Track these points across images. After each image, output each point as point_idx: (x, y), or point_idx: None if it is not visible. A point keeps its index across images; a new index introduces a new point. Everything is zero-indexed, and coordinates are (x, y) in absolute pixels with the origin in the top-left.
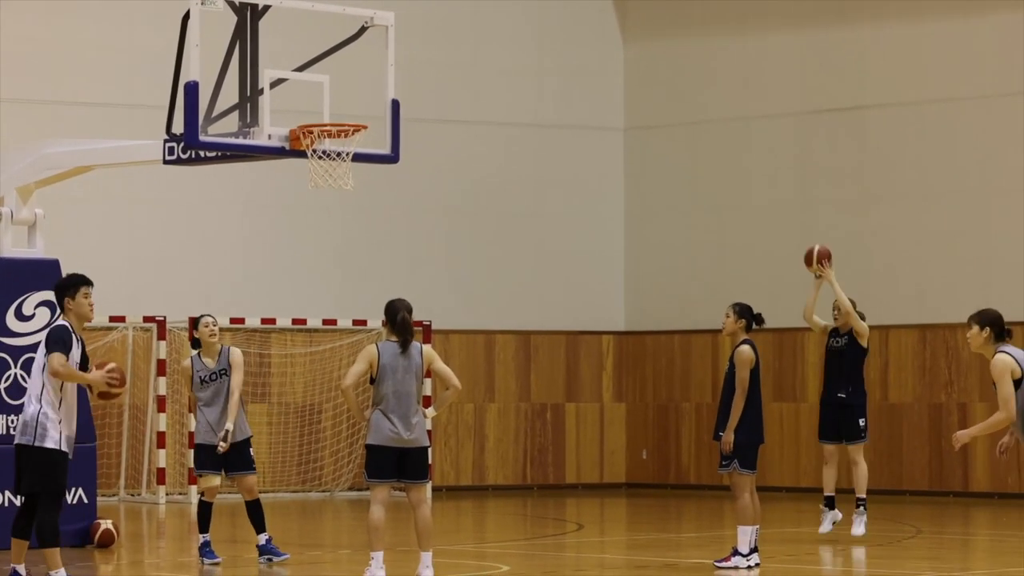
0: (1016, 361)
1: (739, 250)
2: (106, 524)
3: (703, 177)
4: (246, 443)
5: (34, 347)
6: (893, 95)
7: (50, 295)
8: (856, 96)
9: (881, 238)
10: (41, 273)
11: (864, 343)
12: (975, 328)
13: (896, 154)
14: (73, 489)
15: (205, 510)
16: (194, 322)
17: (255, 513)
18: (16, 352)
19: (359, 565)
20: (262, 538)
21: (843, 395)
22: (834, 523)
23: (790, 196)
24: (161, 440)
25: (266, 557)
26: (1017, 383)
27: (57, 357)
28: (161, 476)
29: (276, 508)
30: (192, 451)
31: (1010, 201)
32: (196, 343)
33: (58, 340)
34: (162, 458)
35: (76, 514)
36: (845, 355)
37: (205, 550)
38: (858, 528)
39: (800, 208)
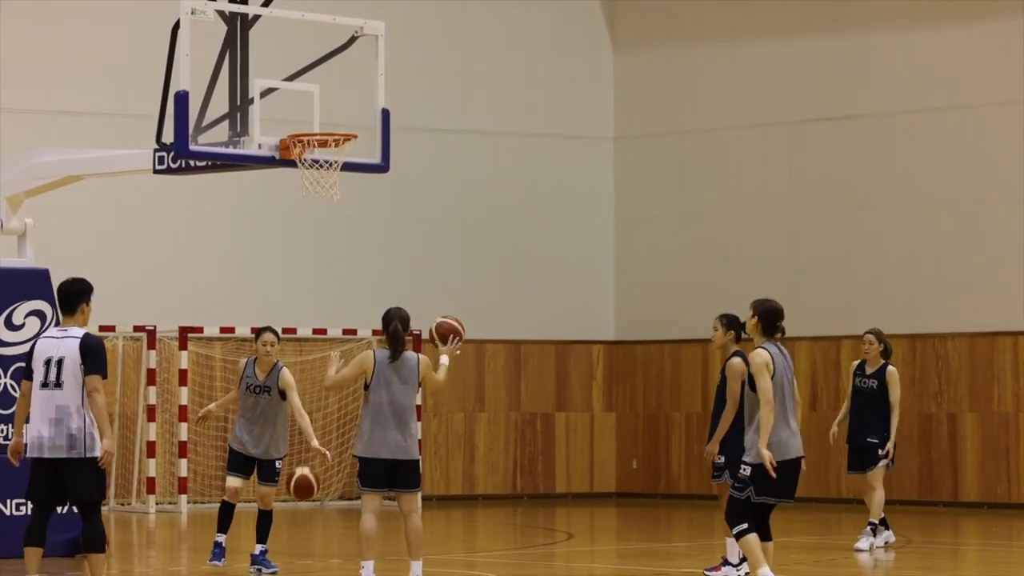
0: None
1: (730, 259)
2: None
3: (693, 186)
4: (280, 459)
5: (23, 357)
6: (883, 104)
7: (40, 304)
8: (846, 105)
9: (871, 247)
10: (31, 283)
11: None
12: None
13: (886, 163)
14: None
15: (227, 511)
16: (256, 333)
17: (264, 523)
18: (6, 362)
19: (349, 574)
20: (259, 548)
21: (873, 439)
22: (881, 542)
23: (780, 205)
24: (151, 449)
25: (256, 567)
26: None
27: (104, 387)
28: (151, 485)
29: None
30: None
31: (1001, 211)
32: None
33: (104, 361)
34: (152, 467)
35: (66, 523)
36: (876, 399)
37: (215, 551)
38: (863, 543)
39: (790, 217)
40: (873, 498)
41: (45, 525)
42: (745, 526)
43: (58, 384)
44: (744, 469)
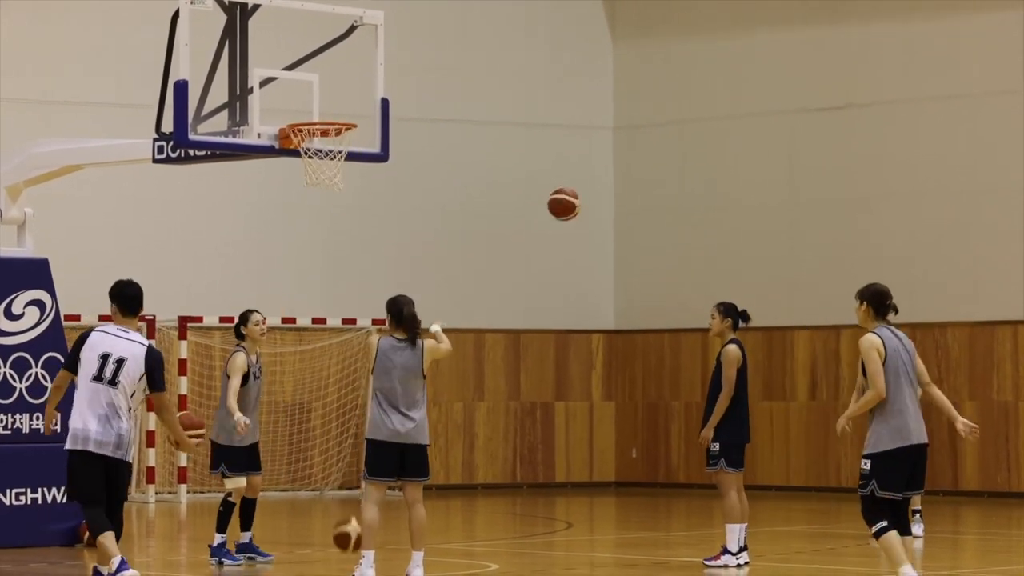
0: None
1: (729, 249)
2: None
3: (693, 176)
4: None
5: (24, 346)
6: (883, 94)
7: (40, 294)
8: (846, 95)
9: (871, 237)
10: (31, 272)
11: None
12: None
13: (885, 153)
14: (62, 488)
15: (230, 511)
16: (242, 318)
17: (250, 511)
18: (6, 351)
19: (348, 564)
20: (245, 536)
21: None
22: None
23: (780, 195)
24: (151, 439)
25: (247, 556)
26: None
27: (169, 399)
28: (151, 475)
29: (265, 507)
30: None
31: (1001, 200)
32: (240, 336)
33: (163, 371)
34: (151, 457)
35: (65, 513)
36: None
37: (224, 551)
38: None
39: (789, 207)
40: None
41: (103, 513)
42: (884, 524)
43: (113, 382)
44: (864, 464)
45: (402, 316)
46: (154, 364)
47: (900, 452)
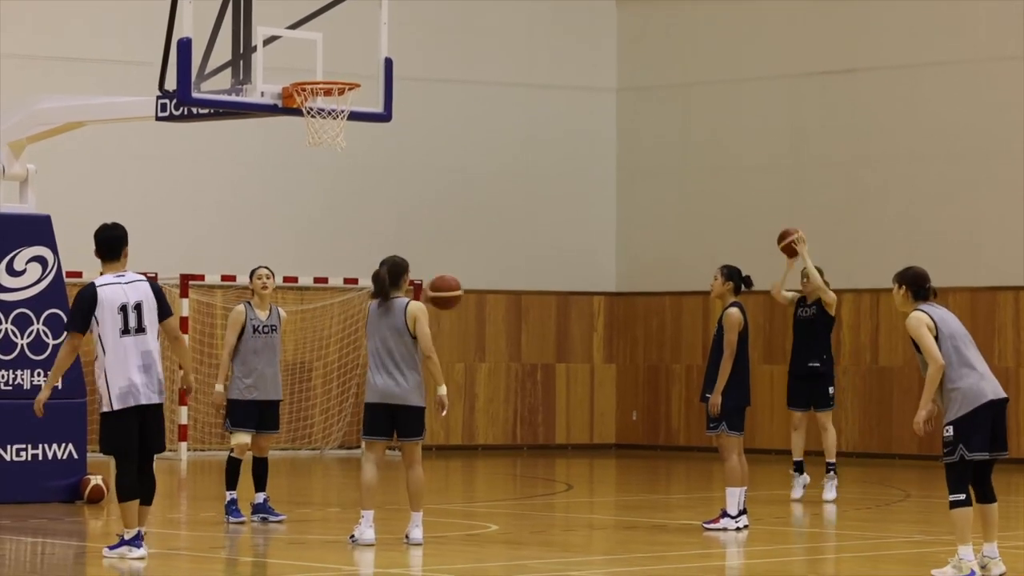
0: (931, 318)
1: (731, 212)
2: (96, 480)
3: (695, 138)
4: (279, 403)
5: (25, 302)
6: (886, 58)
7: (42, 250)
8: (849, 59)
9: (873, 200)
10: (32, 228)
11: (832, 312)
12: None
13: (888, 116)
14: (63, 444)
15: (235, 467)
16: (251, 272)
17: (261, 471)
18: (7, 307)
19: (348, 523)
20: (259, 496)
21: (816, 364)
22: (804, 487)
23: (782, 158)
24: None
25: (261, 516)
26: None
27: (177, 323)
28: None
29: None
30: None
31: (1003, 164)
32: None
33: (165, 296)
34: None
35: (66, 470)
36: (816, 325)
37: (231, 508)
38: (829, 492)
39: (792, 170)
40: (827, 438)
41: (135, 473)
42: (962, 497)
43: (140, 329)
44: (947, 431)
45: (376, 279)
46: (160, 293)
47: (981, 410)
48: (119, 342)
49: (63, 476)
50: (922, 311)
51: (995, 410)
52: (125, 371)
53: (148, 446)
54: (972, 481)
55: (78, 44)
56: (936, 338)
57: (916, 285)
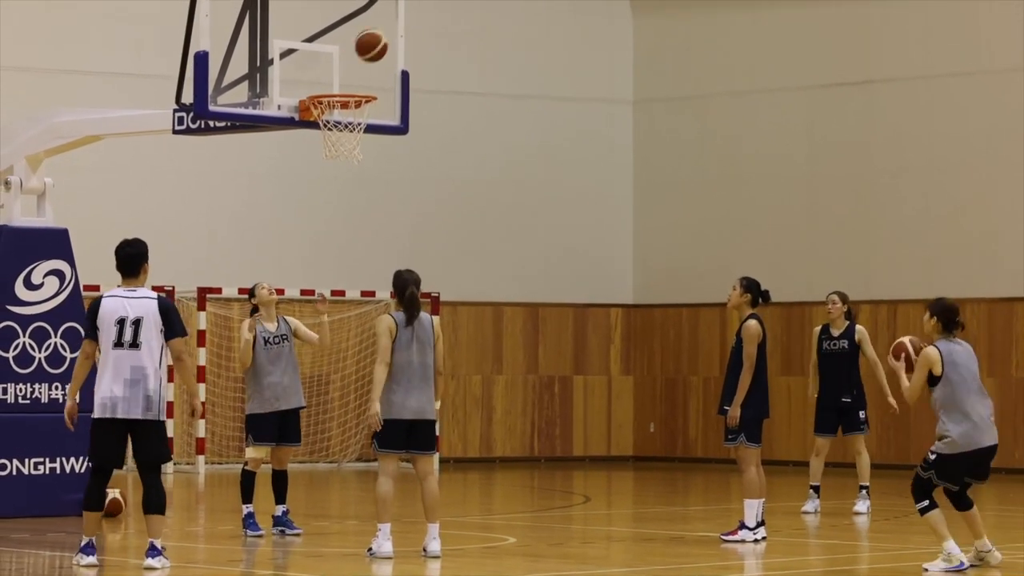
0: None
1: (748, 224)
2: (113, 494)
3: (712, 150)
4: (301, 412)
5: (43, 316)
6: (902, 69)
7: (59, 264)
8: (865, 70)
9: (890, 211)
10: (50, 242)
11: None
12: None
13: (905, 129)
14: (81, 458)
15: (250, 481)
16: (249, 292)
17: (281, 483)
18: (25, 321)
19: (366, 536)
20: (279, 509)
21: (848, 399)
22: (816, 510)
23: (798, 170)
24: (169, 410)
25: (279, 528)
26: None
27: (186, 346)
28: (169, 446)
29: None
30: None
31: (1018, 175)
32: (254, 309)
33: (182, 321)
34: (170, 428)
35: (83, 483)
36: (847, 359)
37: (249, 521)
38: (861, 505)
39: (808, 182)
40: (860, 462)
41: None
42: (926, 503)
43: (134, 344)
44: (930, 454)
45: (403, 296)
46: (167, 311)
47: (967, 455)
48: (110, 354)
49: (81, 489)
50: (937, 349)
51: (981, 455)
52: (109, 382)
53: (140, 460)
54: (948, 494)
55: (95, 58)
56: (940, 372)
57: (946, 318)
